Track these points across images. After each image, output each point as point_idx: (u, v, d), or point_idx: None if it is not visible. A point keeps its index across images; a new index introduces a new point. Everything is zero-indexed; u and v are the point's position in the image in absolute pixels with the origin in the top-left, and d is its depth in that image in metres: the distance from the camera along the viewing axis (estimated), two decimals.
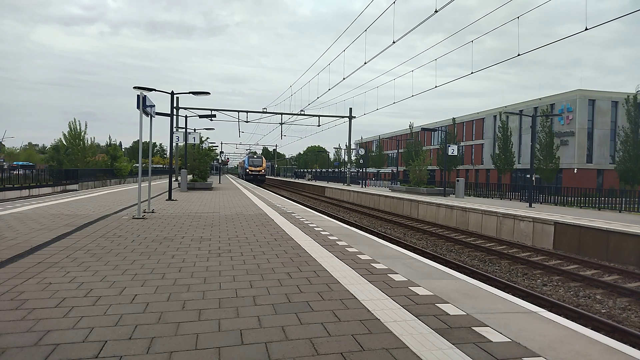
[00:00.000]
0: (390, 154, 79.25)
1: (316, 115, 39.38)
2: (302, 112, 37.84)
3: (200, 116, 28.02)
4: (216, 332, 3.18)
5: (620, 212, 18.88)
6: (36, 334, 3.04)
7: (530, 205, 18.94)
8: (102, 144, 75.05)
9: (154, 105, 11.14)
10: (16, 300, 3.81)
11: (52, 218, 9.58)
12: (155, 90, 16.49)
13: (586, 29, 12.52)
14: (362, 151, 45.82)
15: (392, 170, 57.55)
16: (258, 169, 57.65)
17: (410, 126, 65.02)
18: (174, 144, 26.41)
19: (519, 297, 6.54)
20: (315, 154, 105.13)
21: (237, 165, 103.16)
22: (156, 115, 12.52)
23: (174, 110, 20.34)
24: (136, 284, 4.39)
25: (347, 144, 49.07)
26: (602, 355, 2.95)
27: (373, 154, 74.87)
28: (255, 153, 63.93)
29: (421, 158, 30.02)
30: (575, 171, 47.68)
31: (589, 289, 9.14)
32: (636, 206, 19.10)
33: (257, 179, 55.88)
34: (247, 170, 57.38)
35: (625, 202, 20.05)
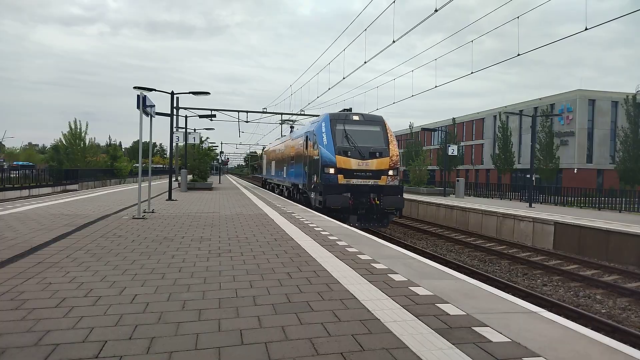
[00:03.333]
0: None
1: (316, 115, 39.31)
2: (302, 112, 37.75)
3: (200, 116, 28.01)
4: (216, 332, 3.18)
5: (620, 212, 18.89)
6: (36, 334, 3.04)
7: (530, 205, 18.94)
8: (102, 144, 75.16)
9: (154, 105, 11.13)
10: (16, 300, 3.81)
11: (52, 218, 9.57)
12: (155, 90, 16.52)
13: (586, 29, 12.51)
14: None
15: None
16: (372, 167, 14.15)
17: (410, 126, 64.98)
18: (174, 144, 26.41)
19: (519, 297, 6.51)
20: None
21: (263, 157, 40.61)
22: (156, 115, 12.53)
23: (174, 110, 20.33)
24: (136, 284, 4.39)
25: None
26: (602, 355, 2.95)
27: None
28: (349, 109, 16.35)
29: (421, 158, 30.08)
30: (575, 171, 47.67)
31: (589, 289, 9.14)
32: (636, 206, 19.10)
33: (375, 211, 14.12)
34: (327, 169, 13.87)
35: (625, 202, 20.06)
